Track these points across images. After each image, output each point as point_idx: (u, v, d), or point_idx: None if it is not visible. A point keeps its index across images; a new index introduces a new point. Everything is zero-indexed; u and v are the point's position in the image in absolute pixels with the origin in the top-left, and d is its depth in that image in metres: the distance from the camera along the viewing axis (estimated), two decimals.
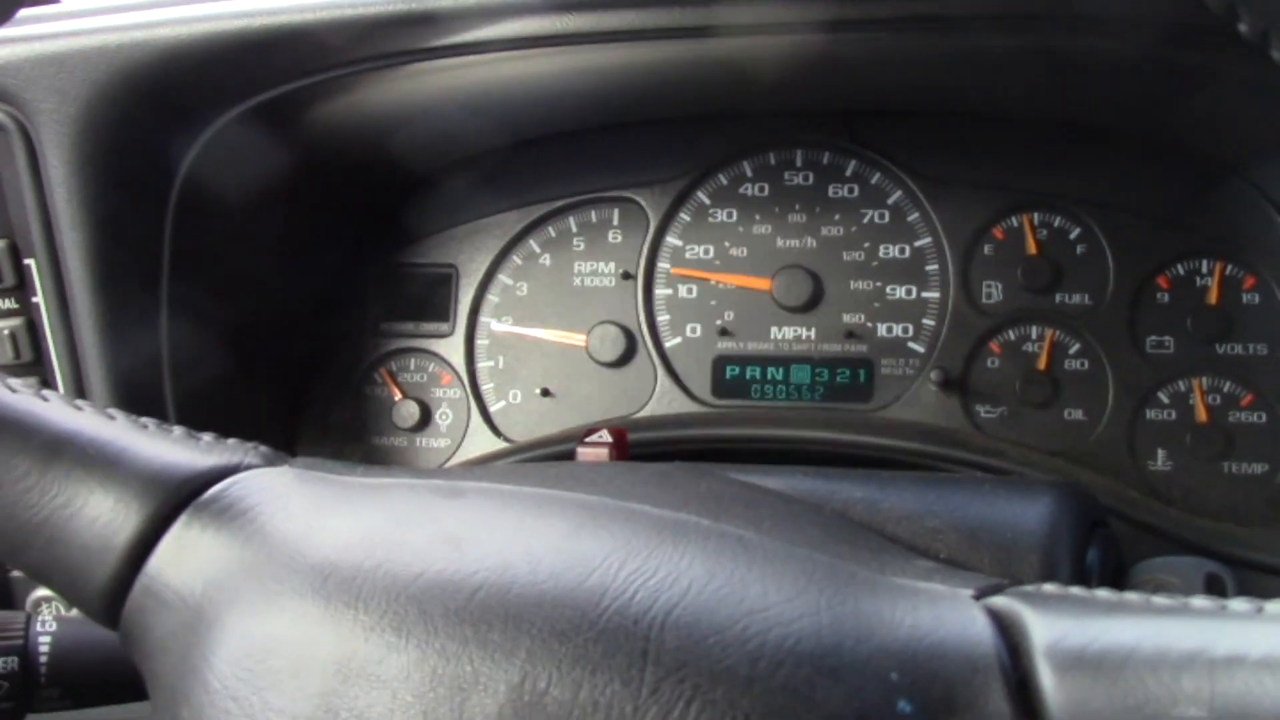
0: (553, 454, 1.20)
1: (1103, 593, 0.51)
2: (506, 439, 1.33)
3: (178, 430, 0.67)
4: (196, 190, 1.13)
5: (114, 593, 0.60)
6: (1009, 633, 0.49)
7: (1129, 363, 1.20)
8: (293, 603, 0.55)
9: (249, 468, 0.64)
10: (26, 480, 0.61)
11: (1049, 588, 0.53)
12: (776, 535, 0.59)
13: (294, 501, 0.61)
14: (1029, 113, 1.23)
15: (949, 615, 0.51)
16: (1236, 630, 0.46)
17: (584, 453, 0.99)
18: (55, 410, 0.65)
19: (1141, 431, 1.19)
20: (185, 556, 0.59)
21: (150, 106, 1.07)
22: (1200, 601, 0.49)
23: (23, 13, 1.13)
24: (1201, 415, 1.18)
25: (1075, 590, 0.52)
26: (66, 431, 0.63)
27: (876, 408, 1.25)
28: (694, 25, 1.03)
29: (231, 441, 0.67)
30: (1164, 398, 1.19)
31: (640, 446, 1.17)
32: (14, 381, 0.66)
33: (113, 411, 0.67)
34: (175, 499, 0.61)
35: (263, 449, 0.67)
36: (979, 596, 0.53)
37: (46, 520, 0.61)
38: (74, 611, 0.83)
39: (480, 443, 1.33)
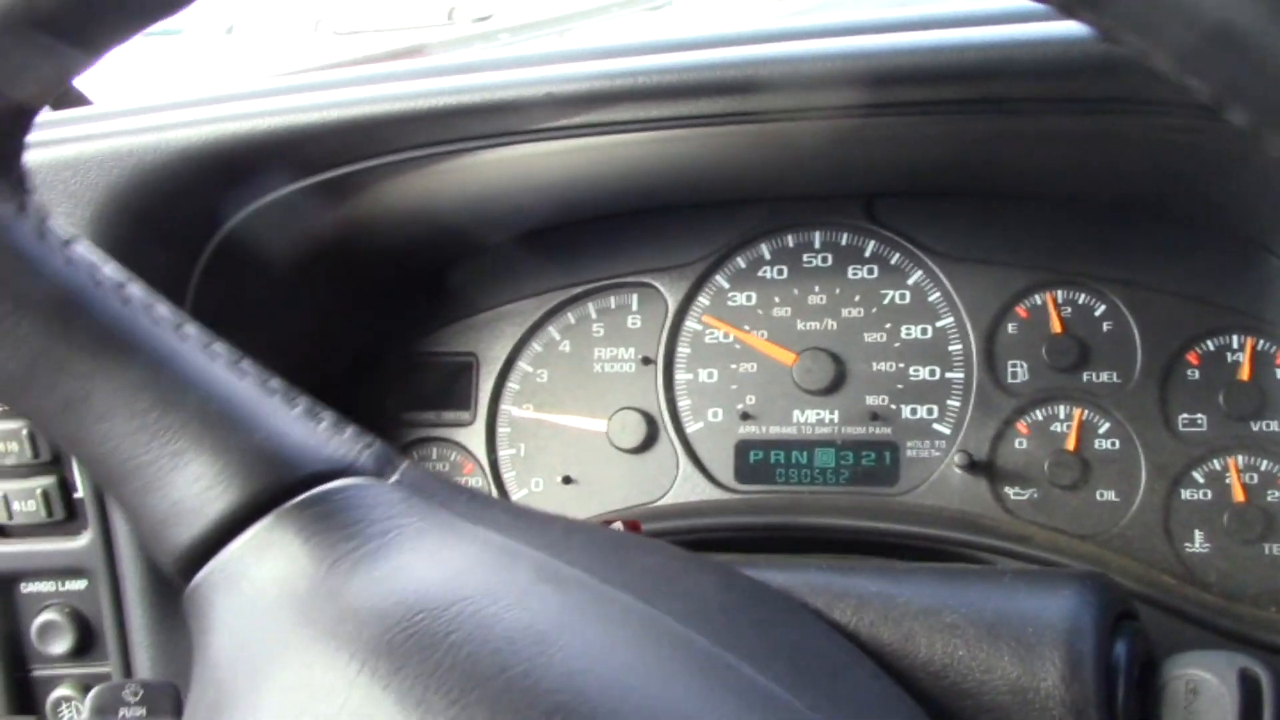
0: None
1: None
2: None
3: (300, 405, 0.64)
4: (211, 289, 1.13)
5: (193, 559, 0.59)
6: None
7: (1161, 442, 1.17)
8: (361, 655, 0.53)
9: (358, 472, 0.62)
10: (145, 418, 0.59)
11: None
12: None
13: (390, 534, 0.59)
14: (1054, 191, 1.21)
15: None
16: None
17: None
18: (189, 353, 0.62)
19: (1176, 512, 1.16)
20: (270, 552, 0.58)
21: (165, 209, 1.08)
22: None
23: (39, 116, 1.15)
24: (1238, 495, 1.14)
25: None
26: (195, 380, 0.61)
27: (902, 491, 1.22)
28: (741, 111, 1.02)
29: (349, 433, 0.65)
30: (1198, 477, 1.16)
31: (663, 536, 1.16)
32: (162, 309, 0.63)
33: (246, 366, 0.64)
34: (277, 488, 0.59)
35: (376, 449, 0.65)
36: None
37: (151, 464, 0.59)
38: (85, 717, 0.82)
39: None
